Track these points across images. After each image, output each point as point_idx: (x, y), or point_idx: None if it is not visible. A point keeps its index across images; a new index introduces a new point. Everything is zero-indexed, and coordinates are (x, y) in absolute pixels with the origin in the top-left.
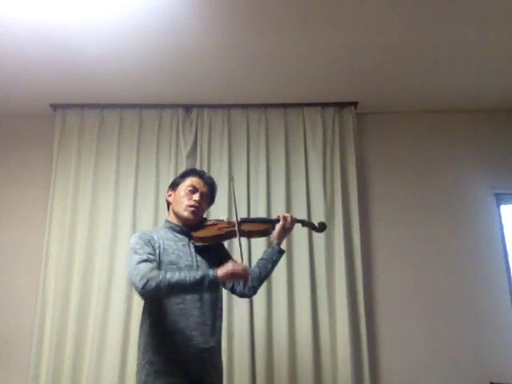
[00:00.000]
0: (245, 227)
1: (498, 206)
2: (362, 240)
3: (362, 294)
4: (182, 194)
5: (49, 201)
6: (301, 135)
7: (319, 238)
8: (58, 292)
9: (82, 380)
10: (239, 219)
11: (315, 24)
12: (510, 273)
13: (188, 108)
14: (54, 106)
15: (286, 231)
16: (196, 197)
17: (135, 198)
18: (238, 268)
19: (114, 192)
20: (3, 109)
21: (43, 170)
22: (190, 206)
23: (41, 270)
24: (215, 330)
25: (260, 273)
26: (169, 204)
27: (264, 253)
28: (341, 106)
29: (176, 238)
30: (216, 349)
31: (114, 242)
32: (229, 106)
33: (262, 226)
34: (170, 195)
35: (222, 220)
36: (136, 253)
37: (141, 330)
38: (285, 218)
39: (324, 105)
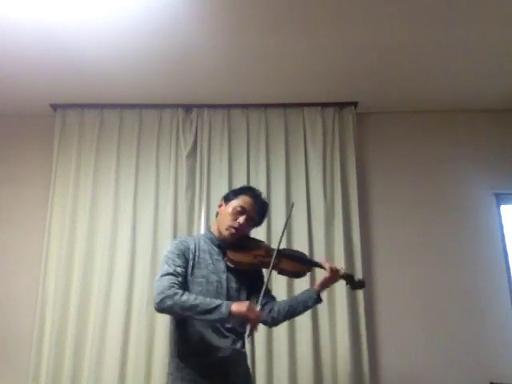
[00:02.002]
0: (281, 263)
1: (498, 206)
2: (361, 240)
3: (361, 293)
4: (230, 211)
5: (49, 201)
6: (301, 135)
7: (319, 237)
8: (58, 292)
9: (82, 380)
10: (279, 249)
11: (315, 24)
12: (510, 273)
13: (188, 108)
14: (54, 106)
15: (330, 283)
16: (241, 220)
17: (135, 197)
18: (252, 315)
19: (114, 192)
20: (3, 109)
21: (43, 169)
22: (232, 227)
23: (41, 270)
24: (239, 343)
25: (288, 311)
26: (217, 213)
27: (301, 293)
28: (341, 106)
29: (213, 251)
30: (240, 360)
31: (114, 242)
32: (229, 106)
33: (297, 267)
34: (220, 205)
35: (263, 245)
36: (166, 263)
37: (170, 335)
38: (333, 272)
39: (324, 105)
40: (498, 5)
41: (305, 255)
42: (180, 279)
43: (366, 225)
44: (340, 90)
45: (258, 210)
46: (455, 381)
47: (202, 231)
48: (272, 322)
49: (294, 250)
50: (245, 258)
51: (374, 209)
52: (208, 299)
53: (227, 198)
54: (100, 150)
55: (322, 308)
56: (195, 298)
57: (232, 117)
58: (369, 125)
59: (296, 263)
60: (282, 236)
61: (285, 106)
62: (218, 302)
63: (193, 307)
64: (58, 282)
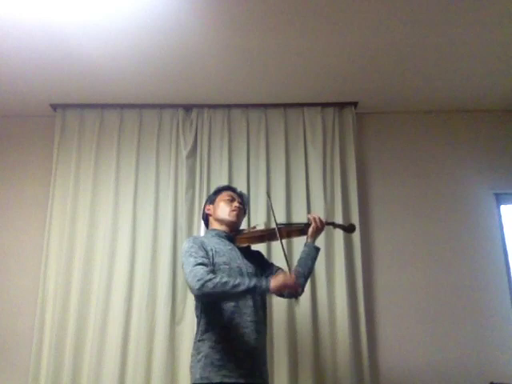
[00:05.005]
0: (283, 230)
1: (498, 206)
2: (361, 240)
3: (361, 293)
4: (223, 203)
5: (49, 201)
6: (301, 135)
7: (319, 237)
8: (57, 292)
9: (81, 380)
10: (277, 223)
11: (315, 24)
12: (509, 273)
13: (188, 108)
14: (54, 106)
15: (318, 232)
16: (236, 204)
17: (135, 197)
18: (290, 281)
19: (114, 192)
20: (3, 109)
21: (43, 169)
22: (233, 211)
23: (41, 270)
24: (263, 330)
25: (304, 271)
26: (207, 217)
27: (302, 252)
28: (341, 106)
29: (224, 242)
30: (264, 348)
31: (114, 242)
32: (229, 106)
33: (297, 227)
34: (208, 209)
35: (260, 226)
36: (191, 255)
37: (197, 327)
38: (314, 219)
39: (324, 105)
40: (497, 5)
41: (295, 222)
42: (211, 268)
43: (366, 225)
44: (340, 90)
45: (240, 199)
46: (455, 381)
47: (202, 231)
48: (299, 290)
49: (285, 222)
50: (255, 234)
51: (373, 209)
52: (247, 279)
53: (211, 200)
54: (100, 150)
55: (322, 308)
56: (235, 279)
57: (232, 117)
58: (369, 125)
59: (292, 227)
60: (273, 215)
61: (285, 106)
62: (254, 281)
63: (235, 286)
64: (57, 282)
